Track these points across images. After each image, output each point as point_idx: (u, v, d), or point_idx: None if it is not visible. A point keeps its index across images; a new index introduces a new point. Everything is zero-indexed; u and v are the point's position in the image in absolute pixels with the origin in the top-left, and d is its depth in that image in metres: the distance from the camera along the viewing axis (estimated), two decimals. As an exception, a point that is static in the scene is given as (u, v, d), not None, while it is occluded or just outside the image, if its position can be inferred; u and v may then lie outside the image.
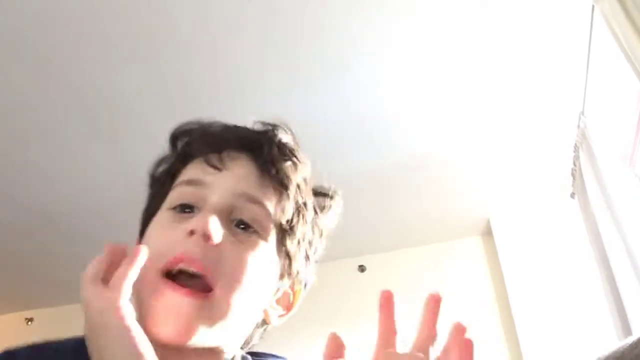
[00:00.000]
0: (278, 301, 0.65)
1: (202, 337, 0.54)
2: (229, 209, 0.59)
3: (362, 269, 3.70)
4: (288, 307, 0.67)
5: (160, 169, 0.67)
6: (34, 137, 2.37)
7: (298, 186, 0.63)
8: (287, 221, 0.61)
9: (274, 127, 0.65)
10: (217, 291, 0.54)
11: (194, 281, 0.54)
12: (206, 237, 0.55)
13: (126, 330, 0.49)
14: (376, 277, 3.65)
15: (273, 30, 1.94)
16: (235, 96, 2.22)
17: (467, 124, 2.51)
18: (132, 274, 0.52)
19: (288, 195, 0.62)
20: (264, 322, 0.64)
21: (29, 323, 4.06)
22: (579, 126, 2.39)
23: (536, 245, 3.21)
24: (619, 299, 2.23)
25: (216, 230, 0.55)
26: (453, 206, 3.24)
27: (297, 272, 0.64)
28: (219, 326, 0.55)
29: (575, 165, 2.64)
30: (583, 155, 2.43)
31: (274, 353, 0.70)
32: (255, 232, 0.59)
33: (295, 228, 0.62)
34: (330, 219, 0.70)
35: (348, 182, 3.29)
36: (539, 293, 3.09)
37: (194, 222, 0.56)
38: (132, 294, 0.55)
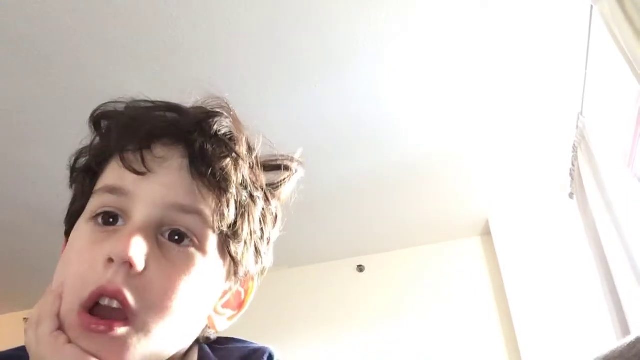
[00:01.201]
0: (226, 304, 0.59)
1: (143, 356, 0.49)
2: (158, 222, 0.51)
3: (360, 269, 3.71)
4: (239, 305, 0.60)
5: (81, 161, 0.59)
6: (34, 137, 2.37)
7: (241, 183, 0.55)
8: (229, 226, 0.53)
9: (209, 114, 0.56)
10: (138, 319, 0.48)
11: (117, 312, 0.48)
12: (128, 265, 0.48)
13: None
14: (375, 277, 3.66)
15: (273, 30, 1.94)
16: (235, 97, 2.21)
17: (466, 125, 2.51)
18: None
19: (228, 199, 0.53)
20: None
21: (28, 323, 4.06)
22: (577, 126, 2.39)
23: (535, 246, 3.22)
24: (618, 298, 2.23)
25: (138, 256, 0.48)
26: (452, 206, 3.25)
27: (246, 273, 0.58)
28: (149, 349, 0.50)
29: (573, 165, 2.64)
30: (582, 156, 2.44)
31: (241, 338, 0.64)
32: (191, 242, 0.52)
33: (239, 231, 0.54)
34: (285, 191, 0.62)
35: (347, 183, 3.32)
36: (538, 293, 3.09)
37: (112, 246, 0.48)
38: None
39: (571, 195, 2.86)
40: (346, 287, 3.66)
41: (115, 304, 0.48)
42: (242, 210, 0.55)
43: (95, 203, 0.53)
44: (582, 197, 2.53)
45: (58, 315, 0.50)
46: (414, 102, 2.34)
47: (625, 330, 2.21)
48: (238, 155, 0.55)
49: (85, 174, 0.57)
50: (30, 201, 2.82)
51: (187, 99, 0.59)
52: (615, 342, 0.52)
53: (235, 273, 0.57)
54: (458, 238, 3.59)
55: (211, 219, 0.52)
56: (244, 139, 0.57)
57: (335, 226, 3.35)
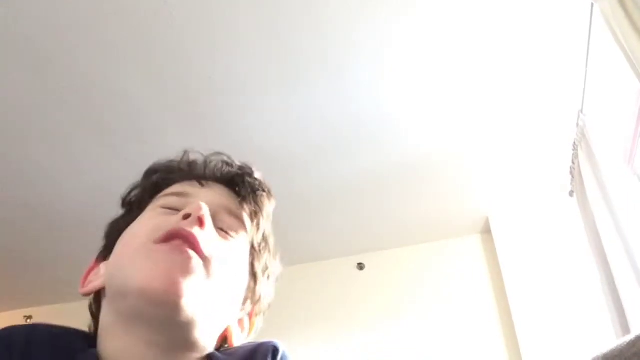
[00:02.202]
0: (240, 322, 0.66)
1: (193, 302, 0.54)
2: (212, 215, 0.61)
3: (361, 267, 3.71)
4: (246, 332, 0.68)
5: (135, 193, 0.69)
6: (34, 136, 2.38)
7: (267, 215, 0.69)
8: (258, 243, 0.67)
9: (247, 168, 0.71)
10: (210, 261, 0.57)
11: (190, 249, 0.56)
12: (200, 221, 0.58)
13: None
14: (375, 275, 3.66)
15: (273, 31, 1.94)
16: (236, 97, 2.22)
17: (466, 123, 2.51)
18: None
19: (259, 220, 0.67)
20: (225, 341, 0.64)
21: (28, 321, 4.06)
22: (578, 124, 2.39)
23: (535, 244, 3.22)
24: (618, 297, 2.23)
25: (209, 216, 0.59)
26: (452, 204, 3.25)
27: (259, 297, 0.67)
28: (209, 295, 0.56)
29: (574, 163, 2.64)
30: (582, 154, 2.43)
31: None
32: (233, 238, 0.63)
33: (262, 252, 0.67)
34: (277, 271, 0.73)
35: (348, 181, 3.32)
36: (538, 291, 3.09)
37: (187, 208, 0.60)
38: (113, 269, 0.58)
39: (571, 193, 2.86)
40: (346, 285, 3.66)
41: (188, 246, 0.56)
42: (264, 237, 0.68)
43: (161, 201, 0.64)
44: (583, 195, 2.53)
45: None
46: (413, 101, 2.34)
47: (625, 329, 2.21)
48: (270, 195, 0.70)
49: (143, 197, 0.67)
50: (29, 200, 2.83)
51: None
52: (615, 340, 0.52)
53: (253, 291, 0.66)
54: (458, 236, 3.59)
55: (249, 227, 0.66)
56: (271, 191, 0.71)
57: (335, 224, 3.35)
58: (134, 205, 0.68)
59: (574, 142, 2.52)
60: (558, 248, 3.14)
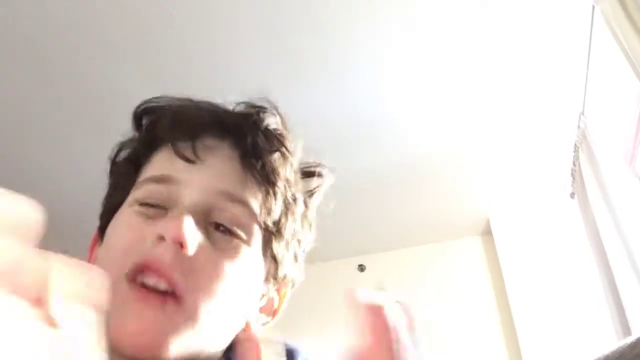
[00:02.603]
0: (263, 308, 0.57)
1: (177, 348, 0.46)
2: (207, 209, 0.50)
3: (361, 268, 3.70)
4: (273, 313, 0.59)
5: (123, 154, 0.57)
6: (34, 136, 2.37)
7: (287, 180, 0.54)
8: (274, 222, 0.53)
9: (259, 109, 0.56)
10: (188, 301, 0.46)
11: (164, 289, 0.46)
12: (180, 244, 0.46)
13: None
14: (376, 276, 3.65)
15: (273, 31, 1.94)
16: (235, 96, 2.22)
17: (467, 124, 2.51)
18: None
19: (275, 192, 0.53)
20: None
21: (29, 322, 4.07)
22: (579, 126, 2.39)
23: (536, 245, 3.21)
24: (619, 298, 2.23)
25: (191, 237, 0.46)
26: (453, 206, 3.25)
27: (285, 276, 0.57)
28: (195, 337, 0.47)
29: (575, 165, 2.64)
30: (583, 156, 2.43)
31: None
32: (237, 236, 0.50)
33: (282, 229, 0.54)
34: (319, 201, 0.62)
35: (348, 182, 3.32)
36: (539, 293, 3.09)
37: (164, 225, 0.47)
38: None
39: (572, 195, 2.85)
40: (347, 286, 3.65)
41: (162, 285, 0.45)
42: (286, 208, 0.54)
43: (141, 191, 0.51)
44: (583, 197, 2.53)
45: None
46: (414, 101, 2.34)
47: (626, 330, 2.21)
48: (287, 150, 0.55)
49: (129, 165, 0.56)
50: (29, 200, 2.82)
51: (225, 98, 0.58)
52: (616, 342, 0.52)
53: (275, 276, 0.56)
54: (459, 237, 3.59)
55: (258, 212, 0.52)
56: (289, 138, 0.57)
57: (335, 225, 3.33)
58: (121, 176, 0.56)
59: (575, 144, 2.51)
60: (559, 250, 3.13)
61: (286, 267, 0.56)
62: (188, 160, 0.51)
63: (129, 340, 0.45)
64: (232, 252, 0.50)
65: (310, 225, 0.61)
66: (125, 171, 0.56)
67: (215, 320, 0.49)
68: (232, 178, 0.52)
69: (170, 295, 0.46)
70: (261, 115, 0.55)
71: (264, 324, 0.58)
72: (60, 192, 2.77)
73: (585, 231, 2.65)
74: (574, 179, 2.74)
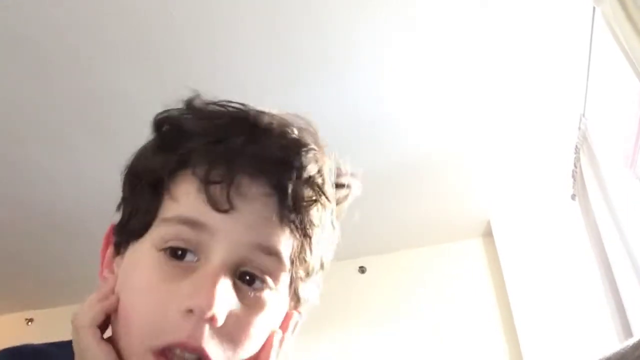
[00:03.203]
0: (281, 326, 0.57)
1: None
2: (237, 263, 0.48)
3: (362, 270, 3.70)
4: (286, 329, 0.59)
5: (142, 167, 0.53)
6: (34, 137, 2.37)
7: (323, 229, 0.53)
8: (307, 272, 0.53)
9: (300, 146, 0.51)
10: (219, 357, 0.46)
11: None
12: (210, 319, 0.45)
13: None
14: (376, 278, 3.65)
15: (273, 31, 1.94)
16: (235, 96, 2.21)
17: (468, 125, 2.51)
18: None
19: (311, 245, 0.51)
20: None
21: (29, 323, 4.06)
22: (579, 128, 2.39)
23: (537, 247, 3.21)
24: (620, 300, 2.22)
25: (222, 312, 0.45)
26: (453, 207, 3.24)
27: (305, 302, 0.57)
28: None
29: (576, 166, 2.64)
30: (584, 157, 2.43)
31: None
32: (264, 284, 0.49)
33: (311, 272, 0.53)
34: (344, 208, 0.60)
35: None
36: (540, 295, 3.08)
37: (193, 294, 0.45)
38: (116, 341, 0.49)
39: (573, 197, 2.85)
40: (347, 288, 3.65)
41: (192, 357, 0.45)
42: (320, 256, 0.54)
43: (169, 232, 0.48)
44: (584, 199, 2.53)
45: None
46: (414, 102, 2.34)
47: (627, 332, 2.21)
48: (327, 198, 0.53)
49: (150, 186, 0.51)
50: (29, 201, 2.82)
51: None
52: (618, 344, 0.52)
53: (296, 307, 0.56)
54: (460, 239, 3.59)
55: (289, 261, 0.50)
56: (328, 173, 0.54)
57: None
58: (141, 200, 0.52)
59: (576, 146, 2.51)
60: (560, 251, 3.13)
61: (308, 300, 0.56)
62: (221, 211, 0.47)
63: None
64: (260, 304, 0.49)
65: (334, 242, 0.59)
66: (146, 193, 0.51)
67: None
68: (267, 230, 0.48)
69: None
70: (303, 158, 0.51)
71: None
72: (60, 192, 2.77)
73: (586, 233, 2.64)
74: (574, 180, 2.73)
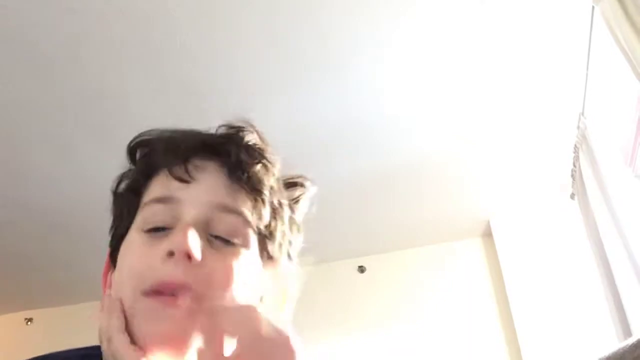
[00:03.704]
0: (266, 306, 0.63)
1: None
2: (205, 222, 0.56)
3: (361, 269, 3.70)
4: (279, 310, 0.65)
5: (123, 185, 0.64)
6: (35, 137, 2.37)
7: (271, 188, 0.61)
8: (266, 226, 0.60)
9: (239, 129, 0.62)
10: (206, 298, 0.52)
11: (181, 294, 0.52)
12: (187, 256, 0.52)
13: None
14: (376, 278, 3.65)
15: (273, 31, 1.94)
16: (236, 97, 2.22)
17: (467, 125, 2.51)
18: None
19: (263, 199, 0.59)
20: None
21: (29, 323, 4.06)
22: (578, 127, 2.39)
23: (536, 247, 3.21)
24: (619, 299, 2.23)
25: (196, 246, 0.52)
26: (453, 207, 3.25)
27: (282, 275, 0.63)
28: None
29: (575, 166, 2.64)
30: (583, 156, 2.43)
31: None
32: (235, 243, 0.57)
33: (274, 232, 0.61)
34: (304, 208, 0.69)
35: (348, 183, 3.31)
36: (539, 294, 3.09)
37: (171, 241, 0.53)
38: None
39: (572, 196, 2.85)
40: (347, 288, 3.65)
41: (180, 293, 0.51)
42: (274, 213, 0.61)
43: (146, 214, 0.57)
44: (584, 198, 2.53)
45: (125, 321, 0.53)
46: (415, 103, 2.34)
47: (627, 331, 2.21)
48: (268, 161, 0.61)
49: (130, 194, 0.62)
50: (30, 201, 2.82)
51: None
52: (617, 343, 0.52)
53: (274, 277, 0.61)
54: (459, 239, 3.59)
55: (250, 219, 0.58)
56: (269, 151, 0.63)
57: (336, 226, 3.34)
58: (124, 203, 0.62)
59: (575, 145, 2.51)
60: (559, 251, 3.13)
61: (282, 266, 0.62)
62: (183, 181, 0.57)
63: (157, 347, 0.50)
64: (236, 256, 0.56)
65: (298, 228, 0.67)
66: (127, 200, 0.62)
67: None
68: (223, 191, 0.58)
69: (189, 297, 0.51)
70: (241, 133, 0.62)
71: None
72: (60, 192, 2.77)
73: (586, 232, 2.65)
74: (574, 179, 2.74)
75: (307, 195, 0.69)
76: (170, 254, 0.52)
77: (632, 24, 1.56)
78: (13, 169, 2.57)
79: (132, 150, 0.63)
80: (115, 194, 0.64)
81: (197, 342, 0.50)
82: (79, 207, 2.87)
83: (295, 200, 0.67)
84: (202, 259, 0.53)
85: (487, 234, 3.50)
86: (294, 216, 0.65)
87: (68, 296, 3.86)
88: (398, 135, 2.55)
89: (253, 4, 1.82)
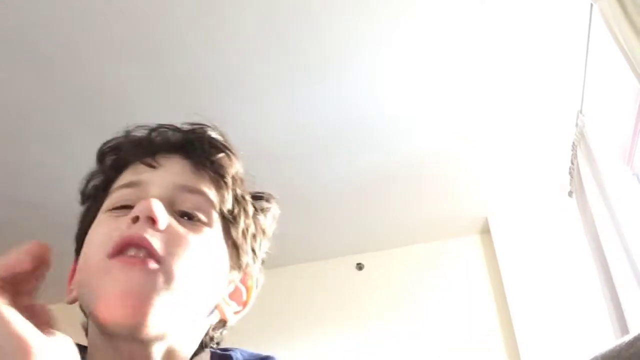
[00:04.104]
0: (231, 296, 0.63)
1: (158, 318, 0.50)
2: (170, 200, 0.57)
3: (360, 267, 3.71)
4: (243, 304, 0.65)
5: (92, 184, 0.65)
6: (34, 135, 2.37)
7: (234, 177, 0.63)
8: (229, 210, 0.61)
9: (203, 125, 0.65)
10: (169, 263, 0.52)
11: (144, 255, 0.52)
12: (151, 220, 0.52)
13: None
14: (374, 275, 3.66)
15: (273, 30, 1.94)
16: (235, 96, 2.22)
17: (466, 123, 2.51)
18: None
19: (226, 183, 0.61)
20: (222, 322, 0.63)
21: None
22: (577, 125, 2.39)
23: (534, 244, 3.22)
24: (617, 297, 2.23)
25: (160, 212, 0.53)
26: (451, 204, 3.25)
27: (247, 265, 0.63)
28: (176, 304, 0.52)
29: (573, 164, 2.64)
30: (581, 154, 2.44)
31: (240, 348, 0.67)
32: (199, 219, 0.58)
33: (237, 218, 0.62)
34: (270, 221, 0.69)
35: (347, 181, 3.31)
36: (537, 291, 3.09)
37: (135, 208, 0.53)
38: (79, 286, 0.55)
39: (570, 194, 2.86)
40: (345, 285, 3.66)
41: (142, 253, 0.51)
42: (237, 200, 0.63)
43: (114, 197, 0.59)
44: (582, 196, 2.54)
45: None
46: (413, 101, 2.34)
47: (624, 329, 2.22)
48: (231, 151, 0.64)
49: (99, 189, 0.63)
50: (30, 199, 2.82)
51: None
52: (614, 340, 0.52)
53: (238, 263, 0.62)
54: (457, 236, 3.59)
55: (214, 200, 0.60)
56: (232, 146, 0.65)
57: (334, 224, 3.35)
58: (91, 200, 0.64)
59: (573, 143, 2.52)
60: (557, 248, 3.14)
61: (246, 255, 0.63)
62: (150, 166, 0.60)
63: (111, 311, 0.49)
64: (198, 230, 0.57)
65: (264, 231, 0.68)
66: (95, 194, 0.64)
67: (195, 287, 0.54)
68: (188, 175, 0.60)
69: (151, 258, 0.51)
70: (205, 129, 0.64)
71: (235, 313, 0.63)
72: (59, 190, 2.77)
73: (583, 229, 2.65)
74: (572, 177, 2.74)
75: (273, 211, 0.70)
76: (135, 219, 0.53)
77: (631, 22, 1.56)
78: (13, 167, 2.57)
79: (101, 153, 0.65)
80: (84, 193, 0.66)
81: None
82: (77, 204, 2.87)
83: (261, 210, 0.68)
84: (166, 228, 0.53)
85: (485, 231, 3.51)
86: (258, 216, 0.66)
87: (64, 294, 3.87)
88: (396, 134, 2.55)
89: (253, 3, 1.82)
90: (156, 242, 0.52)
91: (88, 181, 0.66)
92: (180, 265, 0.52)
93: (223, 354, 0.64)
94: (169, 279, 0.51)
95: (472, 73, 2.20)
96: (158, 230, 0.53)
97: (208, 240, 0.58)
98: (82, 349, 0.57)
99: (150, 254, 0.51)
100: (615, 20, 1.59)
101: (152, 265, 0.51)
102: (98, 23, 1.85)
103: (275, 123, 2.38)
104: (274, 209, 0.70)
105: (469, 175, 2.96)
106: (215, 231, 0.59)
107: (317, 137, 2.52)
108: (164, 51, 1.99)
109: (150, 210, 0.52)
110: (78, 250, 0.60)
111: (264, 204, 0.69)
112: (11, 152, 2.46)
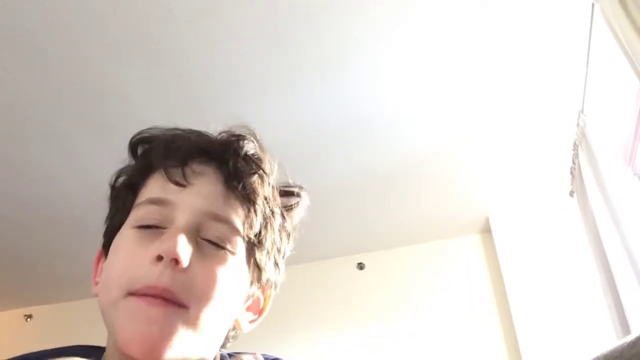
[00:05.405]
0: (249, 308, 0.65)
1: (178, 350, 0.52)
2: (196, 227, 0.57)
3: (361, 266, 3.71)
4: (259, 312, 0.67)
5: (121, 180, 0.65)
6: (34, 133, 2.37)
7: (265, 198, 0.62)
8: (256, 235, 0.61)
9: (239, 137, 0.63)
10: (191, 305, 0.53)
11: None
12: (175, 261, 0.53)
13: None
14: (375, 274, 3.66)
15: (273, 30, 1.94)
16: (235, 95, 2.22)
17: (466, 122, 2.51)
18: None
19: (255, 210, 0.61)
20: (235, 328, 0.64)
21: (28, 320, 4.07)
22: (578, 124, 2.39)
23: (535, 244, 3.22)
24: (618, 297, 2.23)
25: (185, 253, 0.54)
26: (452, 204, 3.25)
27: (268, 280, 0.65)
28: (194, 339, 0.54)
29: (574, 163, 2.64)
30: (582, 154, 2.43)
31: (249, 351, 0.69)
32: (224, 248, 0.58)
33: (263, 240, 0.62)
34: (297, 215, 0.70)
35: (348, 181, 3.31)
36: (538, 291, 3.09)
37: (160, 245, 0.54)
38: (101, 302, 0.56)
39: (572, 193, 2.85)
40: (346, 284, 3.66)
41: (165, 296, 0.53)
42: (265, 222, 0.62)
43: (140, 213, 0.59)
44: (583, 195, 2.53)
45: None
46: (414, 100, 2.34)
47: (625, 329, 2.21)
48: (264, 172, 0.63)
49: (127, 189, 0.63)
50: (29, 199, 2.82)
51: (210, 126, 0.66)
52: (616, 340, 0.52)
53: (259, 280, 0.63)
54: (458, 236, 3.59)
55: (241, 228, 0.59)
56: (267, 160, 0.64)
57: (335, 224, 3.34)
58: (120, 200, 0.64)
59: (574, 142, 2.51)
60: (558, 248, 3.14)
61: (268, 273, 0.64)
62: (179, 184, 0.59)
63: (132, 345, 0.51)
64: (221, 260, 0.57)
65: (289, 235, 0.68)
66: (124, 195, 0.63)
67: (214, 323, 0.56)
68: (217, 199, 0.59)
69: (172, 302, 0.53)
70: (241, 142, 0.63)
71: (251, 321, 0.65)
72: (59, 189, 2.77)
73: (585, 229, 2.65)
74: (573, 177, 2.74)
75: (302, 204, 0.70)
76: (159, 258, 0.53)
77: (632, 21, 1.56)
78: (12, 165, 2.57)
79: (133, 146, 0.65)
80: (113, 187, 0.66)
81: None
82: (78, 203, 2.88)
83: (289, 208, 0.68)
84: (189, 265, 0.54)
85: (486, 231, 3.51)
86: (285, 224, 0.67)
87: (67, 293, 3.87)
88: (397, 133, 2.55)
89: (253, 3, 1.82)
90: (178, 287, 0.53)
91: (117, 176, 0.65)
92: (201, 307, 0.54)
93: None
94: (189, 320, 0.53)
95: (472, 72, 2.20)
96: (181, 270, 0.53)
97: (230, 269, 0.58)
98: (99, 349, 0.60)
99: (174, 300, 0.52)
100: (617, 19, 1.59)
101: (174, 308, 0.52)
102: (98, 23, 1.85)
103: (275, 123, 2.38)
104: (303, 201, 0.70)
105: (469, 175, 2.96)
106: (238, 257, 0.59)
107: (317, 137, 2.52)
108: (164, 51, 1.99)
109: (175, 253, 0.53)
110: (106, 246, 0.62)
111: (292, 200, 0.69)
112: (11, 151, 2.46)
